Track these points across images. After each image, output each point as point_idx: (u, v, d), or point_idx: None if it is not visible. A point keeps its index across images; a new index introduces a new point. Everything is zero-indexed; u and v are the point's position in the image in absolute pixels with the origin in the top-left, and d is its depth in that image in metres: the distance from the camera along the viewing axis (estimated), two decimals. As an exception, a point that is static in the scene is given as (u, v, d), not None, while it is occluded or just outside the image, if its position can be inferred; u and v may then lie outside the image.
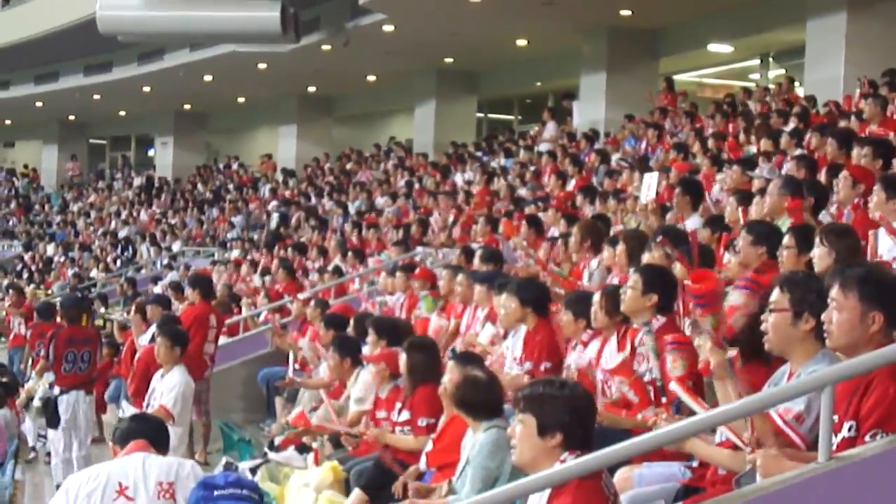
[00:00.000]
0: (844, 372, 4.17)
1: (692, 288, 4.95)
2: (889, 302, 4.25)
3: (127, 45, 28.47)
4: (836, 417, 4.25)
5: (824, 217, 8.31)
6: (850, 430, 4.17)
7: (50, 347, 11.73)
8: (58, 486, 11.17)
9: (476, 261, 11.63)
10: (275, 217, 24.56)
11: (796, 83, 19.12)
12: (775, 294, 4.67)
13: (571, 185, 15.57)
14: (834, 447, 4.20)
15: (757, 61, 23.39)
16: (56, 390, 11.54)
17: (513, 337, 8.68)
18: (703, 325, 5.04)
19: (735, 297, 5.43)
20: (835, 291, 4.26)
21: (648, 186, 10.48)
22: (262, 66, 28.42)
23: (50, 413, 11.48)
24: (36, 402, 11.99)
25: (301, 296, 14.46)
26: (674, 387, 4.61)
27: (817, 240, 6.37)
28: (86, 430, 11.60)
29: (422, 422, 7.65)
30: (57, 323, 13.40)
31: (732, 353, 4.78)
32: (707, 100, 22.58)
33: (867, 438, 4.11)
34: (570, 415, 4.22)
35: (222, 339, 14.14)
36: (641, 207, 10.73)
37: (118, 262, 28.40)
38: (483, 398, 6.50)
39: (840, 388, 4.25)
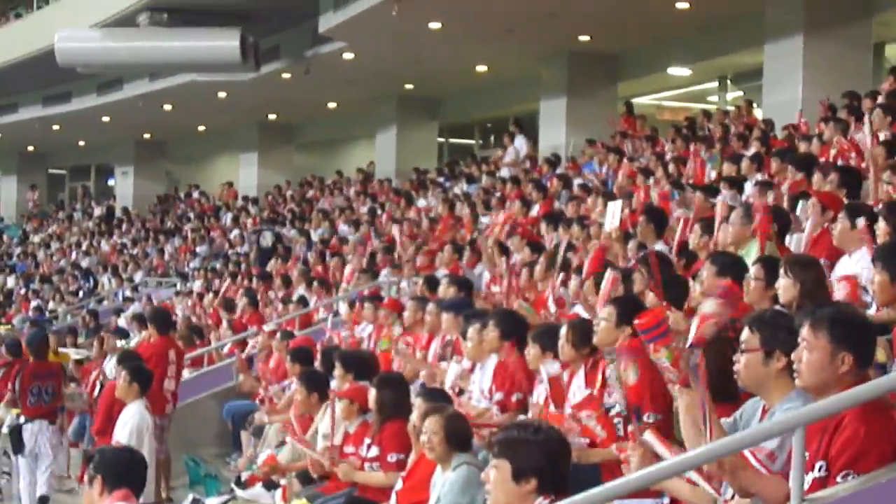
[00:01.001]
0: (816, 413, 4.18)
1: (637, 324, 4.95)
2: (859, 343, 4.27)
3: (86, 75, 28.34)
4: (806, 454, 4.26)
5: (794, 243, 8.39)
6: (820, 469, 4.17)
7: (16, 381, 12.39)
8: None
9: (442, 288, 11.63)
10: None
11: (754, 105, 19.26)
12: (745, 334, 4.68)
13: (535, 211, 15.60)
14: (805, 487, 4.20)
15: (715, 84, 23.55)
16: (21, 419, 12.25)
17: (480, 370, 8.68)
18: (660, 360, 5.02)
19: (708, 306, 5.40)
20: (805, 331, 4.27)
21: (612, 214, 10.51)
22: (221, 94, 28.35)
23: (15, 440, 12.23)
24: (4, 430, 12.61)
25: (266, 327, 14.40)
26: (648, 437, 4.60)
27: (781, 271, 6.40)
28: (49, 456, 12.23)
29: (391, 458, 7.61)
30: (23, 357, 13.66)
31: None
32: (666, 122, 22.70)
33: (839, 479, 4.12)
34: (545, 459, 4.19)
35: (187, 373, 14.08)
36: (605, 235, 10.75)
37: (80, 293, 28.18)
38: (469, 432, 6.53)
39: (809, 426, 4.26)
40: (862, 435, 4.08)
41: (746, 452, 4.51)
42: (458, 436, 6.51)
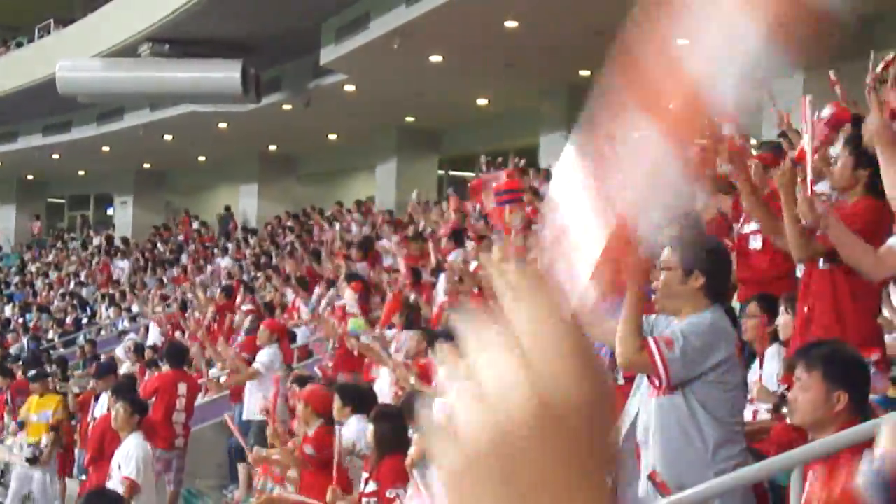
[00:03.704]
0: (813, 452, 4.18)
1: (494, 186, 4.91)
2: (854, 381, 4.28)
3: (86, 105, 28.41)
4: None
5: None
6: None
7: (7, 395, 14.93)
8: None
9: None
10: None
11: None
12: (665, 252, 4.69)
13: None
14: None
15: (714, 118, 23.59)
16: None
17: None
18: (514, 222, 4.93)
19: None
20: (799, 370, 4.28)
21: None
22: (222, 125, 28.41)
23: None
24: None
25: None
26: None
27: (781, 308, 6.40)
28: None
29: (390, 493, 7.55)
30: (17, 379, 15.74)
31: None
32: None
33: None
34: None
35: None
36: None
37: (78, 323, 28.09)
38: None
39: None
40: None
41: (652, 345, 4.51)
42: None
